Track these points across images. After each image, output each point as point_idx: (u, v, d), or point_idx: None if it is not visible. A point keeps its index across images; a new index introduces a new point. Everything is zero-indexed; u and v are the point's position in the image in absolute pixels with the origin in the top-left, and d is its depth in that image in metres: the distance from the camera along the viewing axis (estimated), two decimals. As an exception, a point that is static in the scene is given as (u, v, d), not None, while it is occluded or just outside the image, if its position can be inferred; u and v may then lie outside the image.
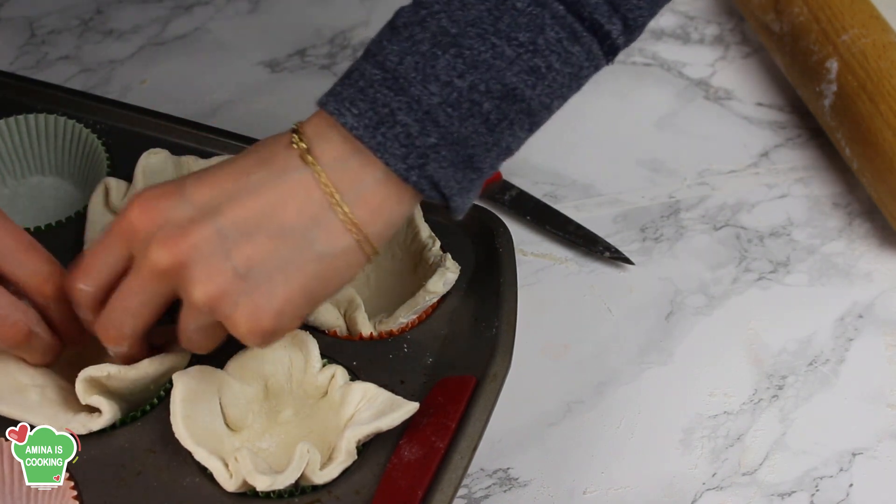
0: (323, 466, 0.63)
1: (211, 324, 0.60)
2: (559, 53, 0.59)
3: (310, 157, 0.58)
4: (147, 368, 0.64)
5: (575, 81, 0.61)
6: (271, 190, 0.58)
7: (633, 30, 0.61)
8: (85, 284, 0.61)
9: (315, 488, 0.64)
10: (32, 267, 0.63)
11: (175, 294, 0.60)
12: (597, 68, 0.62)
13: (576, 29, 0.59)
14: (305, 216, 0.58)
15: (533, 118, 0.61)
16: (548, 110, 0.61)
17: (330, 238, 0.59)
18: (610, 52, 0.61)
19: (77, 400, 0.65)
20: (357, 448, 0.64)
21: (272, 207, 0.58)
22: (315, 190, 0.58)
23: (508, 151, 0.62)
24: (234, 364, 0.67)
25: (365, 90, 0.58)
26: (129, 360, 0.64)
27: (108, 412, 0.64)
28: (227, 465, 0.63)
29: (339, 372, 0.67)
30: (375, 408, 0.65)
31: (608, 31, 0.60)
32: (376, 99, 0.58)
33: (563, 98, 0.62)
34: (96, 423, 0.64)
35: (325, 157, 0.59)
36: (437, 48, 0.58)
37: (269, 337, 0.59)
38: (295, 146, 0.59)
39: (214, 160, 0.77)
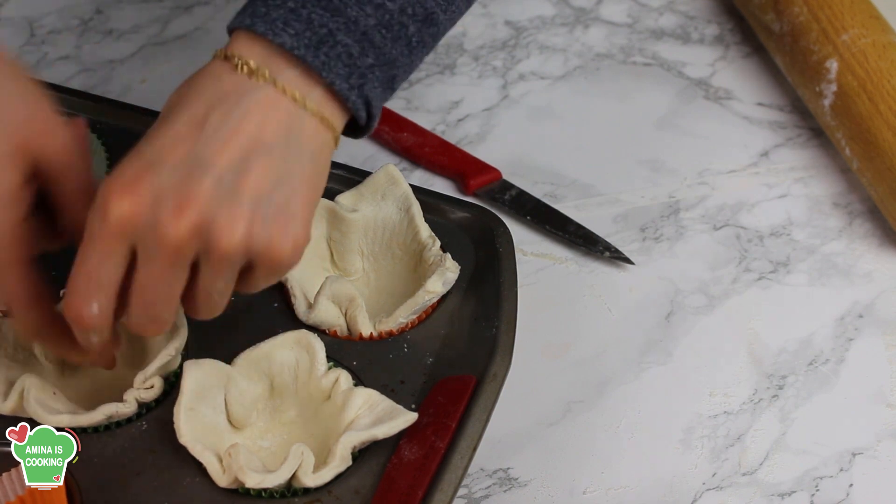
0: (317, 469, 0.63)
1: (232, 276, 0.59)
2: None
3: (264, 72, 0.58)
4: (179, 342, 0.67)
5: (466, 7, 0.66)
6: (240, 120, 0.58)
7: None
8: (94, 307, 0.57)
9: (313, 489, 0.64)
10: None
11: (193, 261, 0.58)
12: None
13: None
14: (282, 127, 0.58)
15: (435, 41, 0.65)
16: (443, 35, 0.65)
17: (310, 137, 0.59)
18: None
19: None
20: (353, 454, 0.64)
21: (250, 134, 0.58)
22: (279, 100, 0.58)
23: (410, 74, 0.64)
24: (242, 361, 0.67)
25: (297, 11, 0.59)
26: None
27: (160, 385, 0.67)
28: (221, 461, 0.63)
29: (344, 376, 0.67)
30: (375, 415, 0.65)
31: None
32: (311, 19, 0.59)
33: (454, 24, 0.66)
34: (149, 395, 0.66)
35: (271, 72, 0.59)
36: None
37: (304, 248, 0.59)
38: (240, 70, 0.59)
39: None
